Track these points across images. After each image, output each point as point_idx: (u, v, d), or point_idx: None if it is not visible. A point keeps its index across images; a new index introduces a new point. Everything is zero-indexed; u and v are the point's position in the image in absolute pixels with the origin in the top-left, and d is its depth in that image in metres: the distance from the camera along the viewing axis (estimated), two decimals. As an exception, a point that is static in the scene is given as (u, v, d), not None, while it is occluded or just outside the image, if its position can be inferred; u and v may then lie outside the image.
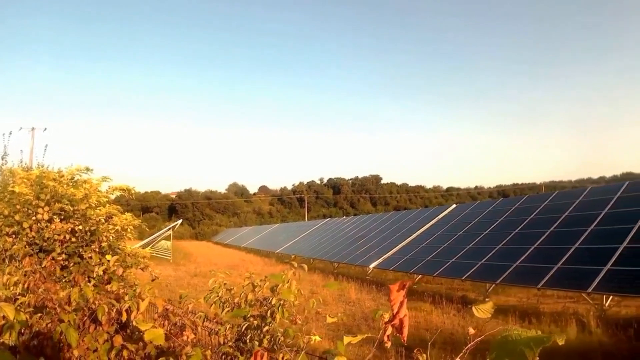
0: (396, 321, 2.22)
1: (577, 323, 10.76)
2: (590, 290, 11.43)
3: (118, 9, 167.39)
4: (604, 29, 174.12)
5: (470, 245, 18.40)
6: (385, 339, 2.34)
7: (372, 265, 21.83)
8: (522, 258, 14.89)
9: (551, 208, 18.18)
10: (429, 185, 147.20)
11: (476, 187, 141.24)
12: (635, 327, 9.97)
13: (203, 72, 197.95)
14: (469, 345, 2.22)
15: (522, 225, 17.92)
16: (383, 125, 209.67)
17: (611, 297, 12.31)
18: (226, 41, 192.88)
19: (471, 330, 2.41)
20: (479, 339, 2.19)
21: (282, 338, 4.12)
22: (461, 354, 2.27)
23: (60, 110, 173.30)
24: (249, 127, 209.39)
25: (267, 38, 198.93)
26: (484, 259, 16.26)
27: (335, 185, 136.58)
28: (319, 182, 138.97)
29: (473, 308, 2.27)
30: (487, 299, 14.98)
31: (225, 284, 4.79)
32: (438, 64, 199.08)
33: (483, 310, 2.24)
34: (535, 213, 18.46)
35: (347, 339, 2.55)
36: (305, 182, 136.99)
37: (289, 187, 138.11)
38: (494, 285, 15.12)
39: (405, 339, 2.17)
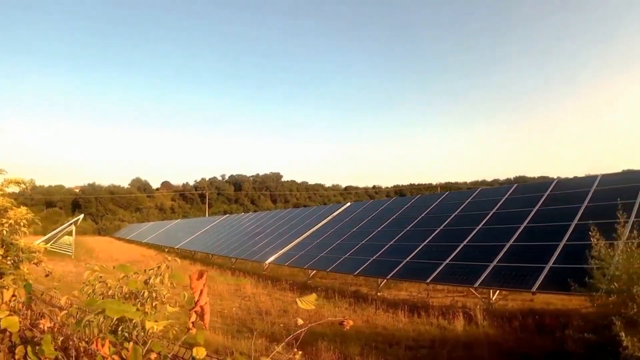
0: (197, 308, 2.39)
1: (464, 316, 10.96)
2: (477, 285, 11.76)
3: None
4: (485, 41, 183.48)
5: (363, 242, 18.60)
6: (190, 325, 2.53)
7: (268, 261, 21.75)
8: (413, 254, 15.17)
9: (442, 207, 18.73)
10: (328, 183, 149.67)
11: (374, 187, 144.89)
12: (521, 319, 10.30)
13: (109, 68, 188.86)
14: (294, 334, 2.53)
15: (413, 223, 18.32)
16: (284, 124, 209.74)
17: (498, 291, 12.75)
18: (132, 37, 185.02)
19: (299, 321, 2.64)
20: (305, 328, 2.50)
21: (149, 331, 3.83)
22: (284, 342, 2.61)
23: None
24: (153, 122, 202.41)
25: (173, 34, 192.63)
26: (376, 255, 16.46)
27: (236, 182, 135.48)
28: (220, 178, 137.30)
29: (297, 300, 2.55)
30: (379, 294, 15.19)
31: (101, 276, 4.48)
32: (338, 65, 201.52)
33: (307, 302, 2.53)
34: (426, 212, 18.95)
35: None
36: (207, 179, 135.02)
37: (191, 183, 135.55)
38: (385, 280, 15.29)
39: (207, 325, 2.36)
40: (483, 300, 12.82)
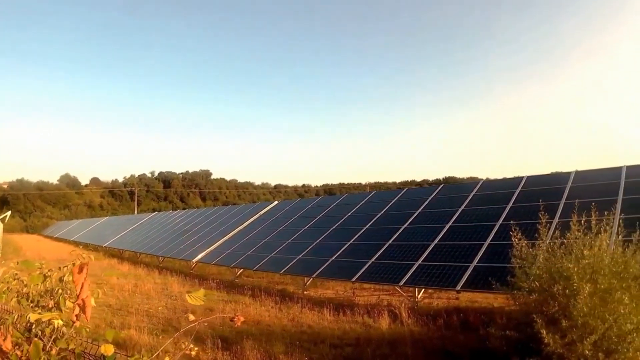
0: (80, 301, 2.41)
1: (390, 314, 11.01)
2: (402, 283, 11.87)
3: None
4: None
5: (290, 240, 18.50)
6: (74, 318, 2.50)
7: (195, 259, 21.46)
8: (339, 253, 15.20)
9: (369, 206, 18.89)
10: (258, 182, 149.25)
11: (304, 185, 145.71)
12: (445, 317, 10.43)
13: (36, 62, 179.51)
14: (183, 329, 2.94)
15: (340, 222, 18.39)
16: (214, 121, 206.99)
17: (423, 289, 12.92)
18: (52, 29, 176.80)
19: (191, 317, 2.77)
20: (194, 323, 2.63)
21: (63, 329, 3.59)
22: (173, 337, 2.91)
23: None
24: (82, 117, 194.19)
25: (96, 27, 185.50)
26: (303, 254, 16.39)
27: (166, 179, 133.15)
28: (150, 175, 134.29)
29: (187, 296, 2.65)
30: (305, 292, 15.10)
31: (16, 274, 4.20)
32: (269, 63, 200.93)
33: (196, 298, 2.64)
34: (353, 211, 19.05)
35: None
36: (136, 175, 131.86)
37: (121, 180, 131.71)
38: (311, 279, 15.24)
39: (89, 318, 2.37)
40: (409, 298, 12.95)
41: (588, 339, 5.49)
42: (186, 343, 2.65)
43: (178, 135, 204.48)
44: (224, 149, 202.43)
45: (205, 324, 10.87)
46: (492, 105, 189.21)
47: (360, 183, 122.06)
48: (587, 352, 5.48)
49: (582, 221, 6.60)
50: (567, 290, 5.86)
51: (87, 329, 2.95)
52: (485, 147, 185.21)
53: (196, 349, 2.64)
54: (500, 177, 18.81)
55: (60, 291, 4.01)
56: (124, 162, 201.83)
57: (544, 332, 5.68)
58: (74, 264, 3.84)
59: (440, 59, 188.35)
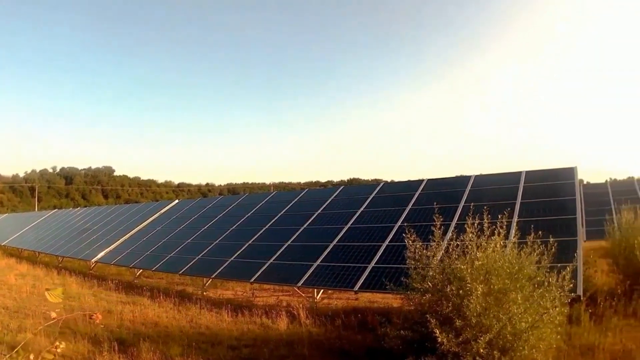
0: None
1: (288, 315, 10.99)
2: (301, 284, 11.90)
3: None
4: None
5: (189, 240, 18.07)
6: None
7: (94, 259, 20.63)
8: (238, 253, 15.01)
9: (270, 206, 18.78)
10: (161, 179, 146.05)
11: (207, 184, 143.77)
12: (344, 317, 10.51)
13: None
14: (45, 324, 2.69)
15: (240, 222, 18.16)
16: (118, 116, 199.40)
17: (322, 290, 12.98)
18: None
19: (53, 314, 2.76)
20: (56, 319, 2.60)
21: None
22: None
23: None
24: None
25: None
26: (202, 254, 16.06)
27: (67, 176, 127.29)
28: (52, 170, 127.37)
29: (46, 293, 2.67)
30: (205, 293, 14.82)
31: None
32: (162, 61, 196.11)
33: (54, 296, 2.66)
34: (254, 210, 18.88)
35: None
36: (38, 170, 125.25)
37: (22, 175, 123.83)
38: (210, 279, 15.00)
39: None
40: (308, 299, 12.97)
41: (482, 338, 5.68)
42: (58, 342, 2.48)
43: (81, 130, 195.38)
44: (128, 146, 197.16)
45: (102, 325, 10.76)
46: (397, 108, 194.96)
47: (264, 183, 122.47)
48: (481, 350, 5.67)
49: (476, 224, 6.82)
50: (461, 291, 6.03)
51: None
52: (391, 149, 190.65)
53: (62, 346, 2.51)
54: (405, 179, 19.31)
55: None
56: (25, 155, 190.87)
57: (438, 332, 5.81)
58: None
59: (350, 59, 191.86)
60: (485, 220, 6.73)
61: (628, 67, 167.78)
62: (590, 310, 9.05)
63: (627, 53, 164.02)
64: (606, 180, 33.41)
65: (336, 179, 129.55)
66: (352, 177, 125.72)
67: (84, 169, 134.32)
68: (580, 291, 8.02)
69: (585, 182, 35.16)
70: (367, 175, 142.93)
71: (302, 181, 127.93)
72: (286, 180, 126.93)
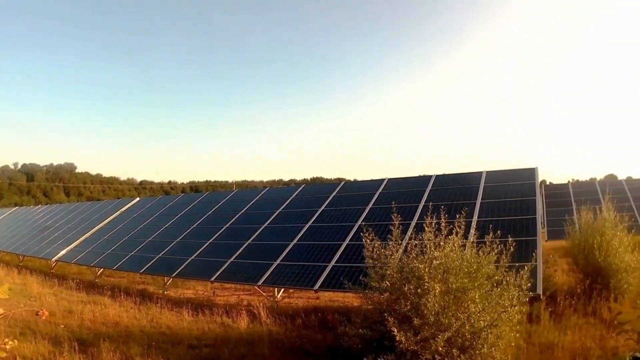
0: None
1: (248, 314, 10.97)
2: (261, 283, 11.91)
3: None
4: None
5: (150, 239, 17.88)
6: None
7: (55, 258, 20.25)
8: (199, 252, 14.93)
9: (231, 205, 18.67)
10: (123, 177, 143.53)
11: (170, 182, 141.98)
12: (304, 316, 10.55)
13: None
14: None
15: (201, 220, 18.06)
16: (80, 112, 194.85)
17: (283, 289, 12.99)
18: None
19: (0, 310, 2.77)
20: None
21: None
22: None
23: None
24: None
25: None
26: (163, 252, 15.91)
27: (29, 172, 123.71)
28: (13, 167, 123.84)
29: None
30: (165, 292, 14.69)
31: None
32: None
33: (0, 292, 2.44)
34: (215, 209, 18.77)
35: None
36: None
37: None
38: (171, 278, 14.87)
39: None
40: (268, 298, 12.98)
41: (441, 336, 5.76)
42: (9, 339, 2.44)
43: (43, 125, 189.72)
44: (90, 142, 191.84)
45: (62, 325, 10.79)
46: (360, 108, 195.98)
47: (227, 181, 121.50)
48: (440, 348, 5.75)
49: (435, 223, 6.90)
50: (419, 290, 6.10)
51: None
52: (355, 150, 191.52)
53: (11, 343, 2.49)
54: (368, 178, 19.44)
55: None
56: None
57: (396, 330, 5.87)
58: None
59: (311, 60, 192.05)
60: (443, 219, 6.80)
61: (628, 67, 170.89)
62: (550, 309, 9.29)
63: (622, 54, 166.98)
64: (568, 181, 34.39)
65: (299, 177, 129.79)
66: (314, 176, 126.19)
67: (46, 166, 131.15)
68: (539, 290, 8.20)
69: (547, 183, 36.08)
70: (330, 174, 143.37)
71: (265, 179, 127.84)
72: (248, 179, 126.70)
